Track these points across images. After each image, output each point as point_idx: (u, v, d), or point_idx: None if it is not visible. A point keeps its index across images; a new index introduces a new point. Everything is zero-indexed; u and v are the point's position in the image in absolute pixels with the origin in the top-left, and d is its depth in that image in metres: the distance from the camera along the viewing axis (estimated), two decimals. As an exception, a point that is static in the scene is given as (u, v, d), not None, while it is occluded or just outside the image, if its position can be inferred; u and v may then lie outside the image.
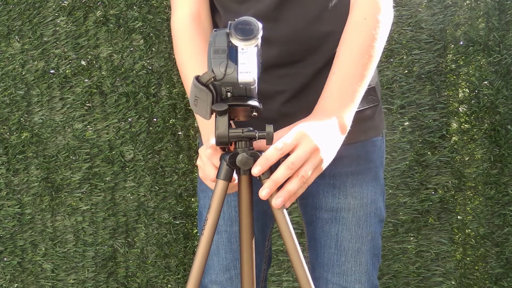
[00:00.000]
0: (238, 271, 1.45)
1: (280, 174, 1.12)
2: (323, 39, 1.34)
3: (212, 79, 1.08)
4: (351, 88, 1.25)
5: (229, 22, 1.07)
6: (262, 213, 1.43)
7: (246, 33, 1.07)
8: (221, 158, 1.17)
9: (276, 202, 1.13)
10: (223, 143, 1.15)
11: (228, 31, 1.07)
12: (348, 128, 1.24)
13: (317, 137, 1.15)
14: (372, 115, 1.43)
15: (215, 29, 1.09)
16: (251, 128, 1.15)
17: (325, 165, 1.18)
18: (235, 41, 1.07)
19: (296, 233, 1.16)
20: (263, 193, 1.12)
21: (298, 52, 1.34)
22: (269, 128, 1.12)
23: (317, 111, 1.24)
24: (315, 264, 1.46)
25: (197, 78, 1.09)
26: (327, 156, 1.18)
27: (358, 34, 1.28)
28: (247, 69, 1.08)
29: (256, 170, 1.12)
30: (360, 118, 1.32)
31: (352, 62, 1.26)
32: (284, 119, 1.30)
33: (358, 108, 1.31)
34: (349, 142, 1.27)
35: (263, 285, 1.53)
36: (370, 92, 1.39)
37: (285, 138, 1.14)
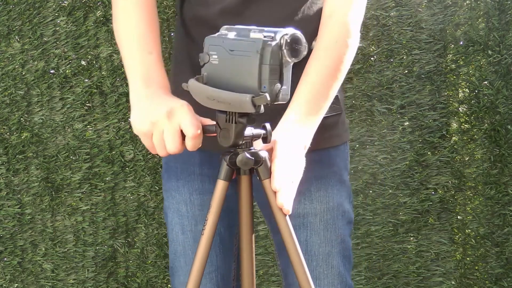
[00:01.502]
0: (207, 271, 1.45)
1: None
2: None
3: (268, 103, 1.06)
4: (316, 108, 1.29)
5: (281, 37, 1.05)
6: (229, 210, 1.43)
7: (297, 53, 1.05)
8: (221, 158, 1.17)
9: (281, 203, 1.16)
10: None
11: (282, 49, 1.04)
12: (308, 146, 1.27)
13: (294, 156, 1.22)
14: (334, 124, 1.44)
15: (265, 38, 1.05)
16: (252, 128, 1.15)
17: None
18: (287, 59, 1.05)
19: (296, 233, 1.16)
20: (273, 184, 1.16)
21: None
22: (270, 127, 1.13)
23: (287, 126, 1.26)
24: (287, 271, 1.46)
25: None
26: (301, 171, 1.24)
27: (328, 56, 1.30)
28: (287, 91, 1.07)
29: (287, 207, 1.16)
30: (322, 125, 1.33)
31: (319, 82, 1.29)
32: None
33: None
34: (312, 149, 1.28)
35: (234, 284, 1.52)
36: (333, 100, 1.40)
37: (282, 163, 1.17)
